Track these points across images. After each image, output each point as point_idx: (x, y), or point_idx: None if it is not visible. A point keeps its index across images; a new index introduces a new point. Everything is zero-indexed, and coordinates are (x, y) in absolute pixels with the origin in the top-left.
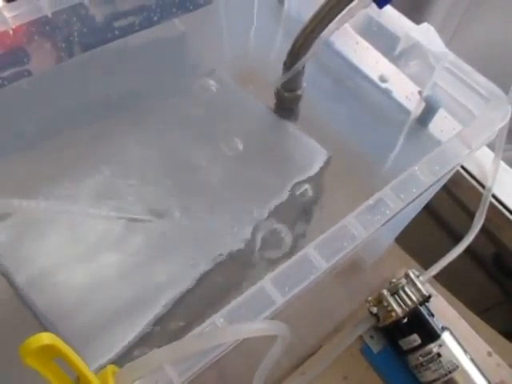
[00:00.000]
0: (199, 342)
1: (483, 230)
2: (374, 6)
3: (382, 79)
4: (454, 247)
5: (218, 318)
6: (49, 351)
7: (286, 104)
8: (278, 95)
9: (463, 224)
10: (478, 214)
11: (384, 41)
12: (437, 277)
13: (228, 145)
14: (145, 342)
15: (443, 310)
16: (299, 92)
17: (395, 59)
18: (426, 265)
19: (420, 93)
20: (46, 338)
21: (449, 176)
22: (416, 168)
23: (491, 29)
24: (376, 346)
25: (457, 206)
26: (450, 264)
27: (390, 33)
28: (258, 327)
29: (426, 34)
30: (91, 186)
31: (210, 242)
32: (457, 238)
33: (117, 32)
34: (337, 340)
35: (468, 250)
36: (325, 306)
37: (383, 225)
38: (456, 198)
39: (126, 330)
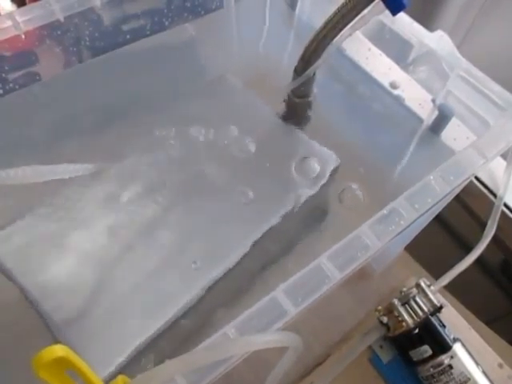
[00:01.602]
0: (211, 353)
1: (493, 238)
2: (387, 12)
3: (393, 86)
4: (463, 256)
5: (229, 329)
6: (61, 363)
7: (297, 110)
8: (289, 101)
9: (472, 232)
10: (489, 223)
11: (397, 48)
12: (444, 286)
13: (237, 150)
14: (153, 348)
15: (453, 321)
16: (310, 98)
17: (408, 66)
18: (433, 272)
19: (433, 101)
20: (58, 350)
21: (463, 186)
22: (431, 178)
23: (502, 36)
24: (385, 356)
25: (467, 215)
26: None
27: (403, 40)
28: (270, 339)
29: (439, 42)
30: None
31: (218, 247)
32: (465, 246)
33: (128, 36)
34: (345, 349)
35: (476, 258)
36: (332, 313)
37: (397, 235)
38: (466, 207)
39: (135, 335)
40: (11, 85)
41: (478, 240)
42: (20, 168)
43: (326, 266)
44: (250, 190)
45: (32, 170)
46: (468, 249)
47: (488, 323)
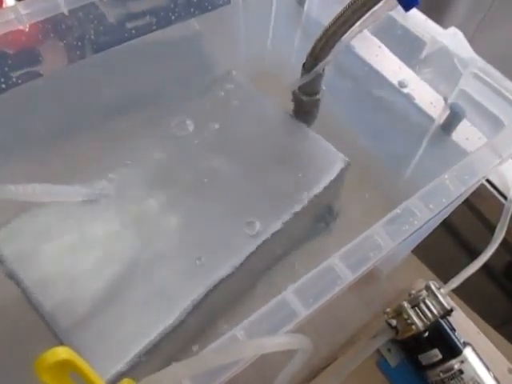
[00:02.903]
0: (219, 356)
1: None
2: (399, 8)
3: (403, 84)
4: (469, 258)
5: (238, 331)
6: (64, 366)
7: (304, 107)
8: (296, 98)
9: (479, 235)
10: (499, 226)
11: (409, 45)
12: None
13: (243, 148)
14: (158, 350)
15: (462, 325)
16: (318, 96)
17: (420, 64)
18: (439, 275)
19: (445, 99)
20: (62, 352)
21: (476, 186)
22: (445, 177)
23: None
24: (393, 360)
25: (474, 217)
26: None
27: (415, 37)
28: (281, 341)
29: (453, 39)
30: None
31: (222, 247)
32: (470, 249)
33: (133, 31)
34: (352, 352)
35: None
36: (338, 315)
37: (411, 235)
38: (475, 209)
39: (139, 337)
40: (14, 79)
41: (483, 242)
42: (30, 185)
43: (338, 267)
44: (258, 187)
45: (42, 189)
46: (472, 251)
47: (494, 328)
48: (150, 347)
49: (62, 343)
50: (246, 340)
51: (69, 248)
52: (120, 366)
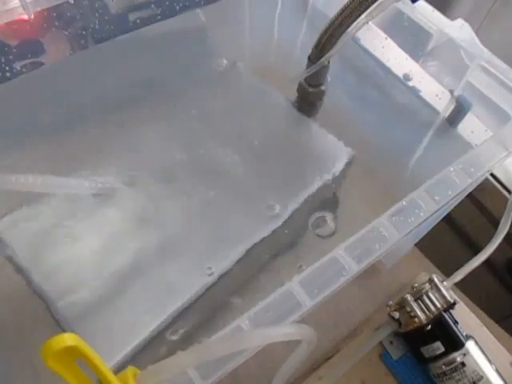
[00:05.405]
0: (224, 346)
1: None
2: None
3: (409, 76)
4: (470, 252)
5: (243, 321)
6: (71, 352)
7: (309, 99)
8: (301, 90)
9: (482, 229)
10: (503, 221)
11: (415, 37)
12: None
13: (248, 139)
14: (162, 339)
15: (465, 318)
16: (323, 87)
17: (426, 56)
18: (442, 269)
19: (451, 92)
20: (68, 338)
21: (482, 179)
22: (451, 169)
23: None
24: (396, 352)
25: (478, 211)
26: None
27: (421, 29)
28: (285, 331)
29: (460, 31)
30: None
31: (225, 241)
32: (473, 243)
33: (138, 21)
34: (355, 344)
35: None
36: (341, 308)
37: (417, 227)
38: (478, 203)
39: (143, 325)
40: (18, 68)
41: (485, 237)
42: (30, 176)
43: (343, 258)
44: (263, 180)
45: (43, 180)
46: (474, 246)
47: (496, 322)
48: (155, 336)
49: (64, 331)
50: (250, 330)
51: (74, 237)
52: (124, 354)
